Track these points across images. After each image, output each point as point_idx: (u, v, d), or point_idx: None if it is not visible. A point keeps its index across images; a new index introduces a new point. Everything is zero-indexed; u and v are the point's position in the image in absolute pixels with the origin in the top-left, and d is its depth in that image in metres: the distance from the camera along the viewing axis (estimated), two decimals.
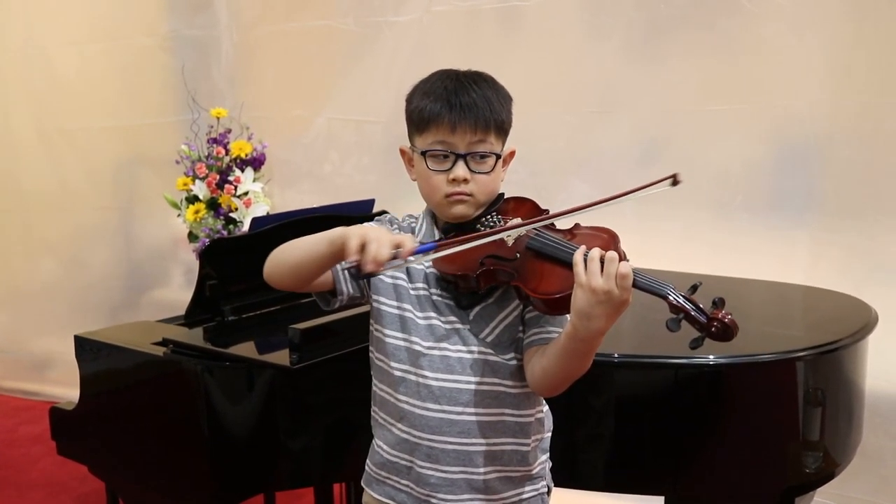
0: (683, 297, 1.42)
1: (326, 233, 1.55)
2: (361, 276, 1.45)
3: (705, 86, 3.29)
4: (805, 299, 2.79)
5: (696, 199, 3.34)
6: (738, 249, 3.23)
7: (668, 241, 3.27)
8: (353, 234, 1.43)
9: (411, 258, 1.45)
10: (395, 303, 1.65)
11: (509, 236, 1.56)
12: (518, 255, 1.56)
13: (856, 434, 2.44)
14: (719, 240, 3.30)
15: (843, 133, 3.08)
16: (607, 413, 2.18)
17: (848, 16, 3.01)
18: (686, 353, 2.12)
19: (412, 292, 1.65)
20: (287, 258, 1.63)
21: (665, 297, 1.42)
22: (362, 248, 1.41)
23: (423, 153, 1.62)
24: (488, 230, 1.58)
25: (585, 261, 1.39)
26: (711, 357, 2.10)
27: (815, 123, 3.13)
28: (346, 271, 1.61)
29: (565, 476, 1.87)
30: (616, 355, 2.13)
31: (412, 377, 1.63)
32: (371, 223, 1.67)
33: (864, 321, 2.38)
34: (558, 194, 3.46)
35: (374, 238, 1.41)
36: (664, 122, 3.38)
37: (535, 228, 1.57)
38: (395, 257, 1.42)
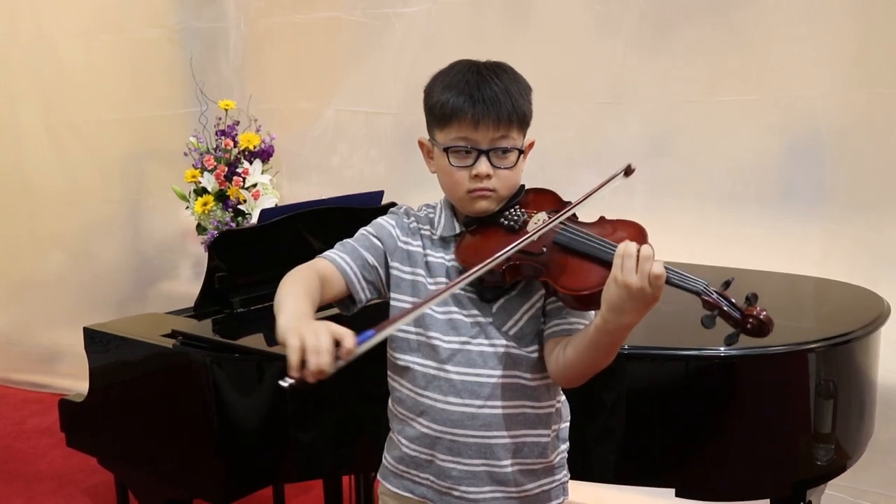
0: (717, 293, 1.40)
1: (278, 309, 1.47)
2: (306, 388, 1.32)
3: (715, 77, 3.27)
4: (817, 291, 2.78)
5: (707, 191, 3.33)
6: (748, 242, 3.22)
7: (678, 234, 3.25)
8: (291, 347, 1.32)
9: (357, 351, 1.34)
10: (410, 298, 1.64)
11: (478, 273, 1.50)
12: (545, 249, 1.54)
13: (867, 427, 2.42)
14: (729, 232, 3.29)
15: (855, 125, 3.07)
16: (618, 405, 2.17)
17: (859, 7, 2.99)
18: (697, 344, 2.12)
19: (431, 287, 1.64)
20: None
21: (698, 294, 1.41)
22: (303, 362, 1.31)
23: (445, 149, 1.61)
24: (439, 289, 1.51)
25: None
26: (722, 349, 2.09)
27: (827, 115, 3.11)
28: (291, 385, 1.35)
29: (576, 469, 1.86)
30: (626, 347, 2.10)
31: (433, 372, 1.63)
32: (389, 219, 1.70)
33: (876, 313, 2.36)
34: (568, 186, 3.38)
35: (313, 348, 1.30)
36: (674, 113, 3.36)
37: (560, 222, 1.55)
38: (337, 358, 1.32)
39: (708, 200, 3.33)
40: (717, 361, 2.13)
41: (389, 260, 1.67)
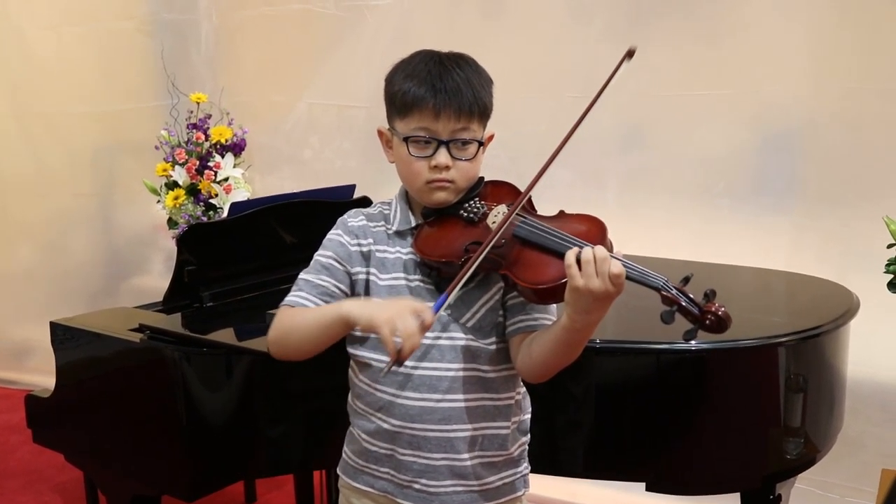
0: (676, 288, 1.41)
1: (336, 310, 1.53)
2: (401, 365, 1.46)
3: (688, 71, 3.27)
4: (787, 285, 2.79)
5: (678, 184, 3.34)
6: (719, 235, 3.23)
7: (649, 227, 3.26)
8: (386, 336, 1.41)
9: (435, 316, 1.46)
10: (362, 296, 1.64)
11: (499, 234, 1.52)
12: (504, 241, 1.54)
13: (837, 420, 2.44)
14: (701, 226, 3.29)
15: (826, 119, 3.08)
16: (588, 399, 2.17)
17: (832, 1, 3.00)
18: (668, 338, 2.12)
19: (382, 283, 1.62)
20: (297, 341, 1.61)
21: (658, 290, 1.41)
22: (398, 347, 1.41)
23: (405, 139, 1.60)
24: (475, 254, 1.51)
25: (579, 262, 1.37)
26: (693, 343, 2.09)
27: (798, 109, 3.12)
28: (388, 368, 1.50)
29: (545, 463, 1.86)
30: (598, 341, 2.11)
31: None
32: (336, 229, 1.68)
33: (846, 307, 2.37)
34: (540, 180, 3.44)
35: (404, 332, 1.40)
36: (646, 107, 3.36)
37: (520, 215, 1.56)
38: (423, 330, 1.43)
39: (680, 194, 3.33)
40: (687, 355, 2.14)
41: (350, 268, 1.65)
